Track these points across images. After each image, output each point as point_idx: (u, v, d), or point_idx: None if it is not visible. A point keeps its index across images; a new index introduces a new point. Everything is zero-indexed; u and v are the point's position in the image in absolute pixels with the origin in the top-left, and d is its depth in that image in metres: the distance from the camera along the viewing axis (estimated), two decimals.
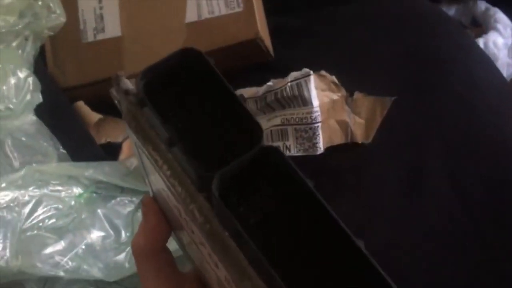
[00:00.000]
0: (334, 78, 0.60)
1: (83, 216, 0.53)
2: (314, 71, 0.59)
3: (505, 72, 1.01)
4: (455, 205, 0.55)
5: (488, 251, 0.52)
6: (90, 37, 0.69)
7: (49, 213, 0.51)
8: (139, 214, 0.57)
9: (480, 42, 0.99)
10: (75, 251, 0.50)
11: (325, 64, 0.63)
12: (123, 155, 0.67)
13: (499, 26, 1.02)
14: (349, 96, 0.61)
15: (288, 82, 0.58)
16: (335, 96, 0.60)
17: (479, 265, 0.51)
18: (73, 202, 0.53)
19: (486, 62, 0.68)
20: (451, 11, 1.12)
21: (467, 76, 0.63)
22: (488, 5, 1.07)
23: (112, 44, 0.69)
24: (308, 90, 0.57)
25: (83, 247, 0.51)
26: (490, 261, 0.51)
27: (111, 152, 0.66)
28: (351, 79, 0.63)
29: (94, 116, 0.68)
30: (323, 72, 0.60)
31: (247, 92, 0.62)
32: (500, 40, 1.00)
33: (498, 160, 0.56)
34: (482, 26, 1.08)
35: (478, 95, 0.62)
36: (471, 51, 0.68)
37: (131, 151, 0.67)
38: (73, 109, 0.67)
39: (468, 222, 0.54)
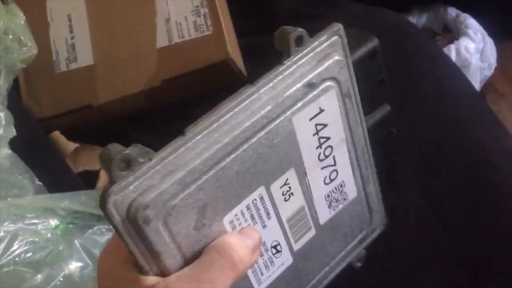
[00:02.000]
0: None
1: (60, 248, 0.53)
2: None
3: (478, 77, 1.03)
4: (431, 217, 0.55)
5: (463, 258, 0.53)
6: (63, 67, 0.70)
7: (25, 247, 0.51)
8: None
9: (452, 48, 1.01)
10: (53, 284, 0.50)
11: None
12: (100, 182, 0.67)
13: (470, 31, 1.03)
14: None
15: None
16: None
17: (454, 272, 0.52)
18: (49, 235, 0.53)
19: (456, 73, 0.69)
20: (422, 18, 1.14)
21: (438, 89, 0.64)
22: (459, 12, 1.09)
23: (85, 72, 0.69)
24: None
25: (61, 279, 0.51)
26: (465, 267, 0.52)
27: (88, 180, 0.67)
28: None
29: (70, 146, 0.69)
30: None
31: None
32: (471, 45, 1.02)
33: (472, 171, 0.57)
34: (453, 32, 1.10)
35: (450, 107, 0.63)
36: (441, 63, 0.69)
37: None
38: (49, 140, 0.68)
39: (443, 232, 0.54)
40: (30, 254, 0.51)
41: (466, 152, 0.58)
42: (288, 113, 0.31)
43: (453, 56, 1.00)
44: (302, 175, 0.33)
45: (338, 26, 0.34)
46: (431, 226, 0.54)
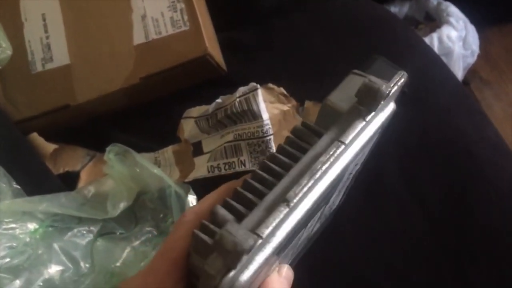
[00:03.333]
0: (282, 89, 0.61)
1: (39, 252, 0.52)
2: (262, 84, 0.59)
3: (461, 64, 1.03)
4: (414, 209, 0.55)
5: (447, 251, 0.52)
6: (39, 67, 0.68)
7: (3, 253, 0.50)
8: (98, 243, 0.57)
9: (435, 36, 1.01)
10: None
11: (279, 76, 0.64)
12: (81, 182, 0.66)
13: (452, 19, 1.03)
14: (299, 105, 0.61)
15: (236, 98, 0.58)
16: (285, 107, 0.60)
17: (440, 266, 0.51)
18: (28, 239, 0.52)
19: (437, 62, 0.68)
20: (404, 7, 1.14)
21: (419, 79, 0.64)
22: (440, 0, 1.09)
23: (61, 72, 0.68)
24: (257, 104, 0.57)
25: (41, 283, 0.50)
26: (448, 256, 0.52)
27: (69, 181, 0.66)
28: (306, 89, 0.63)
29: (49, 147, 0.68)
30: (270, 85, 0.60)
31: (197, 110, 0.62)
32: (454, 33, 1.01)
33: (454, 161, 0.56)
34: (436, 20, 1.09)
35: (431, 97, 0.62)
36: (421, 53, 0.69)
37: (90, 177, 0.66)
38: (27, 142, 0.66)
39: (427, 223, 0.54)
40: (8, 259, 0.50)
41: (448, 142, 0.58)
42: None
43: (435, 45, 1.00)
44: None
45: (402, 74, 0.34)
46: (415, 216, 0.54)
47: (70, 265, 0.53)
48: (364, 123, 0.31)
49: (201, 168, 0.61)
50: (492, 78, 1.14)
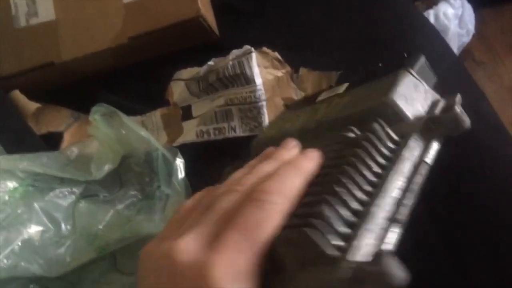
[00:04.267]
0: (277, 54, 0.59)
1: (19, 211, 0.50)
2: (256, 49, 0.57)
3: (456, 42, 1.01)
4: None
5: (442, 234, 0.51)
6: (22, 22, 0.65)
7: None
8: (81, 205, 0.55)
9: (431, 13, 0.99)
10: (10, 248, 0.47)
11: (271, 43, 0.62)
12: (65, 144, 0.64)
13: None
14: (294, 72, 0.59)
15: (229, 61, 0.56)
16: (279, 73, 0.58)
17: (433, 248, 0.50)
18: (7, 197, 0.50)
19: (436, 38, 0.67)
20: None
21: (416, 50, 0.62)
22: None
23: (46, 28, 0.65)
24: (250, 68, 0.55)
25: (20, 243, 0.48)
26: (445, 244, 0.51)
27: (52, 142, 0.64)
28: (298, 57, 0.61)
29: (32, 106, 0.65)
30: (265, 49, 0.58)
31: (188, 72, 0.60)
32: (450, 11, 1.00)
33: (452, 137, 0.55)
34: None
35: None
36: (420, 27, 0.67)
37: (73, 139, 0.64)
38: (8, 99, 0.64)
39: (421, 206, 0.53)
40: None
41: None
42: None
43: (431, 21, 0.98)
44: None
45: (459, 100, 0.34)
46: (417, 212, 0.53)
47: (50, 226, 0.51)
48: (438, 146, 0.32)
49: (189, 132, 0.59)
50: (486, 59, 1.13)
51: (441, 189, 0.50)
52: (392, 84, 0.34)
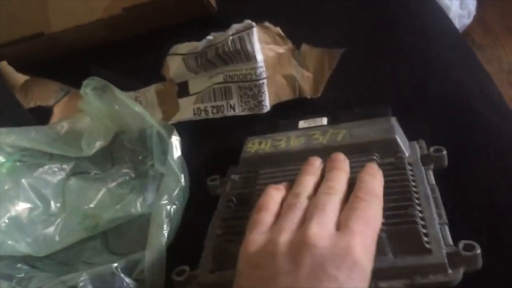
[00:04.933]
0: (279, 29, 0.56)
1: (6, 187, 0.48)
2: (257, 23, 0.54)
3: (457, 24, 1.00)
4: None
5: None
6: None
7: None
8: (71, 182, 0.53)
9: None
10: None
11: (273, 17, 0.59)
12: (54, 118, 0.62)
13: None
14: (296, 49, 0.57)
15: (229, 36, 0.53)
16: (281, 49, 0.56)
17: None
18: None
19: (440, 15, 0.65)
20: None
21: (420, 27, 0.60)
22: None
23: None
24: (251, 44, 0.53)
25: (7, 220, 0.46)
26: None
27: (41, 116, 0.61)
28: (300, 33, 0.59)
29: (20, 78, 0.63)
30: (267, 24, 0.56)
31: (185, 47, 0.57)
32: None
33: (453, 115, 0.54)
34: None
35: (434, 49, 0.59)
36: (424, 3, 0.65)
37: (63, 114, 0.62)
38: None
39: None
40: None
41: (448, 95, 0.55)
42: None
43: None
44: None
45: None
46: None
47: (39, 203, 0.49)
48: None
49: (186, 110, 0.57)
50: (485, 42, 1.11)
51: (444, 168, 0.48)
52: (391, 126, 0.44)
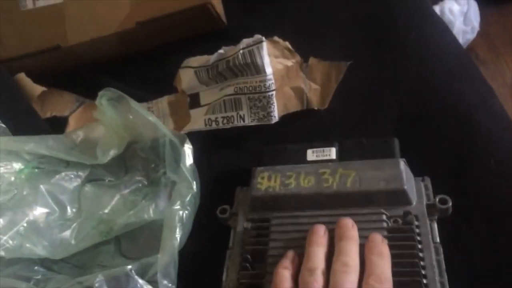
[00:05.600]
0: (287, 44, 0.58)
1: (24, 193, 0.50)
2: (266, 38, 0.56)
3: (460, 39, 1.01)
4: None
5: (449, 227, 0.51)
6: (29, 4, 0.65)
7: None
8: (87, 189, 0.54)
9: (437, 9, 0.99)
10: (15, 229, 0.47)
11: (281, 31, 0.61)
12: (69, 128, 0.64)
13: None
14: (303, 62, 0.59)
15: (240, 50, 0.55)
16: (289, 63, 0.58)
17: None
18: (13, 178, 0.50)
19: (442, 28, 0.67)
20: None
21: (424, 42, 0.62)
22: None
23: (53, 11, 0.64)
24: (261, 57, 0.55)
25: (25, 224, 0.48)
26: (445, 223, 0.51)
27: (57, 126, 0.63)
28: (307, 46, 0.61)
29: (37, 89, 0.65)
30: (276, 38, 0.58)
31: (197, 60, 0.60)
32: (456, 7, 1.00)
33: (454, 126, 0.55)
34: None
35: (436, 61, 0.61)
36: (427, 17, 0.67)
37: (78, 124, 0.64)
38: (14, 81, 0.63)
39: None
40: None
41: (450, 107, 0.56)
42: None
43: None
44: None
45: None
46: None
47: (56, 208, 0.51)
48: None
49: (197, 121, 0.59)
50: (489, 58, 1.13)
51: (446, 178, 0.50)
52: (399, 172, 0.45)
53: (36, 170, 0.52)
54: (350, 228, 0.41)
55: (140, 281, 0.43)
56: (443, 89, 0.58)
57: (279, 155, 0.50)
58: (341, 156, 0.49)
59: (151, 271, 0.45)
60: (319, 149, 0.50)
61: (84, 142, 0.57)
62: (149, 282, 0.44)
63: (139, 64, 0.68)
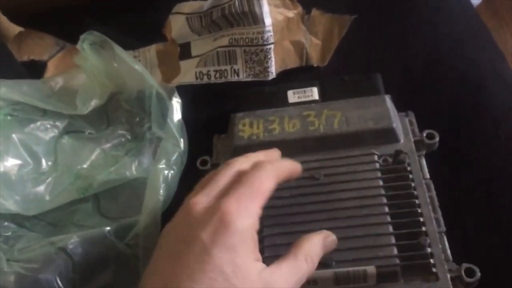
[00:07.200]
0: None
1: None
2: None
3: None
4: None
5: (443, 183, 0.49)
6: None
7: None
8: (64, 141, 0.50)
9: None
10: None
11: None
12: (48, 74, 0.59)
13: None
14: (305, 13, 0.55)
15: None
16: (290, 14, 0.54)
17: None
18: None
19: None
20: None
21: (436, 7, 0.59)
22: None
23: None
24: (260, 6, 0.51)
25: None
26: (444, 193, 0.48)
27: (34, 71, 0.59)
28: None
29: (14, 29, 0.60)
30: None
31: (190, 6, 0.55)
32: None
33: (463, 94, 0.52)
34: None
35: (444, 21, 0.57)
36: None
37: (57, 69, 0.59)
38: None
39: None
40: None
41: (459, 73, 0.53)
42: None
43: None
44: None
45: None
46: None
47: (29, 160, 0.47)
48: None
49: (187, 73, 0.54)
50: (492, 25, 1.09)
51: (448, 151, 0.47)
52: (386, 110, 0.44)
53: (9, 117, 0.48)
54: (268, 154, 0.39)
55: (119, 244, 0.40)
56: (452, 53, 0.55)
57: (258, 98, 0.47)
58: (323, 96, 0.47)
59: (131, 233, 0.42)
60: (300, 89, 0.48)
61: (63, 89, 0.52)
62: (128, 245, 0.41)
63: (126, 6, 0.63)
